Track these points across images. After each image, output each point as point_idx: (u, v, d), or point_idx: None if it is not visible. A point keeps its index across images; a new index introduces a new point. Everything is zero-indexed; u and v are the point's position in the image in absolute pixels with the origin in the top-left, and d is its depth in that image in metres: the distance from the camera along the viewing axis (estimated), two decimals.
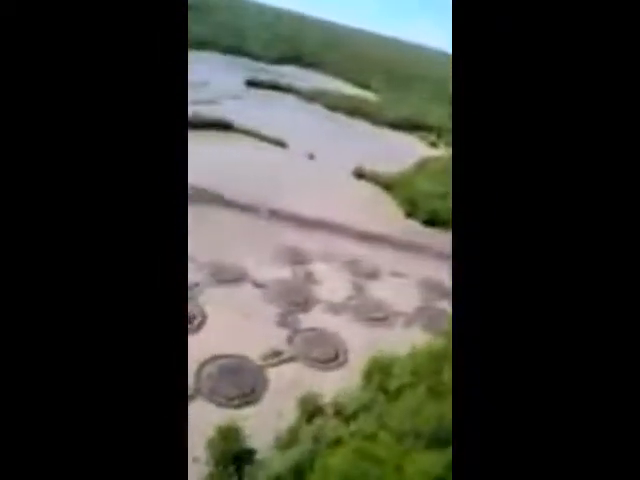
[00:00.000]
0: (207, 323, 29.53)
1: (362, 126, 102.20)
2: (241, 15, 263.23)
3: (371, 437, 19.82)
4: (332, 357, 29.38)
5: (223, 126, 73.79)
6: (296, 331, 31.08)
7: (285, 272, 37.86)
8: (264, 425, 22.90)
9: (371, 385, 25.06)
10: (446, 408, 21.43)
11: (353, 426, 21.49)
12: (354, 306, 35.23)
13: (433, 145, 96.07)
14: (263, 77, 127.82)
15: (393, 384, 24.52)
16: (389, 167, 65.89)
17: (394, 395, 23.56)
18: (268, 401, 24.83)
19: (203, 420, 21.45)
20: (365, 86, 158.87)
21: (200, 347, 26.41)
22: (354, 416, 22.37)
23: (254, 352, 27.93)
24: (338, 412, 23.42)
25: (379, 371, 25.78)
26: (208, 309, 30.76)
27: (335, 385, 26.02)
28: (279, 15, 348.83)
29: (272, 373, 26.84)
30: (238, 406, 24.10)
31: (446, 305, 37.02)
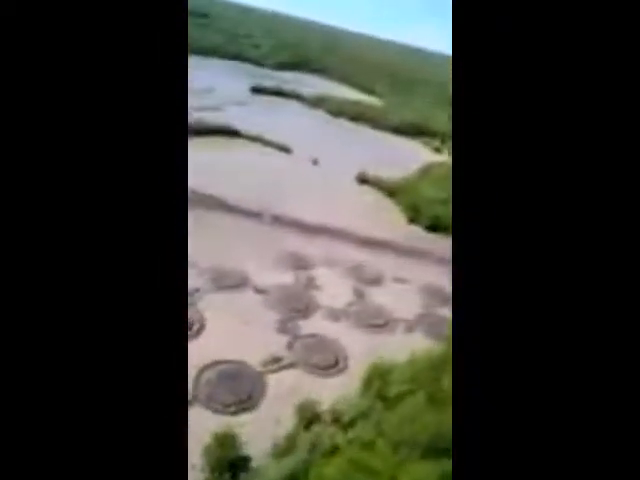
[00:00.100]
0: (206, 329, 29.49)
1: (366, 131, 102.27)
2: (245, 22, 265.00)
3: (368, 446, 19.64)
4: (332, 363, 29.24)
5: (227, 132, 74.16)
6: (296, 337, 30.98)
7: (287, 278, 37.80)
8: (261, 432, 22.78)
9: (370, 392, 24.89)
10: (444, 416, 21.24)
11: (350, 434, 21.33)
12: (355, 312, 35.09)
13: (437, 150, 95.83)
14: (267, 83, 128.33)
15: (392, 391, 24.34)
16: (393, 172, 65.76)
17: (392, 402, 23.37)
18: (266, 408, 24.71)
19: (200, 427, 21.37)
20: (369, 91, 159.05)
21: (198, 353, 26.37)
22: (352, 424, 22.21)
23: (253, 358, 27.85)
24: (336, 419, 23.26)
25: (378, 378, 25.60)
26: (208, 315, 30.74)
27: (334, 392, 25.87)
28: (284, 21, 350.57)
29: (271, 379, 26.74)
30: (235, 413, 24.00)
31: (447, 311, 36.79)
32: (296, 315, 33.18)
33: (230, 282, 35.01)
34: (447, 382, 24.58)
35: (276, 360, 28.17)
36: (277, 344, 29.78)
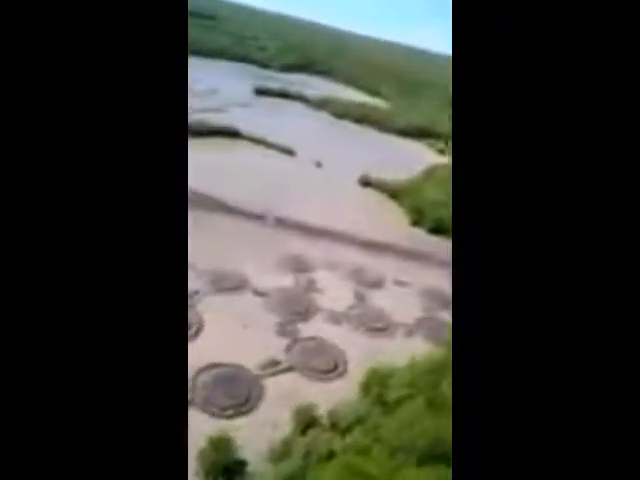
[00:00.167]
0: (204, 331, 29.32)
1: (370, 133, 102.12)
2: (252, 24, 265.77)
3: (364, 451, 19.39)
4: (331, 367, 28.99)
5: (231, 134, 74.24)
6: (295, 340, 30.76)
7: (287, 280, 37.62)
8: (258, 436, 22.57)
9: (368, 397, 24.65)
10: (441, 422, 20.96)
11: (347, 439, 21.09)
12: (355, 315, 34.85)
13: (441, 152, 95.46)
14: (272, 85, 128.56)
15: (391, 396, 24.05)
16: (397, 175, 65.53)
17: (391, 408, 23.10)
18: (263, 412, 24.50)
19: (196, 430, 21.14)
20: (375, 93, 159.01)
21: (196, 356, 26.13)
22: (349, 428, 21.97)
23: (251, 361, 27.64)
24: (334, 424, 23.03)
25: (377, 383, 25.32)
26: (206, 317, 30.58)
27: (333, 396, 25.61)
28: (290, 23, 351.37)
29: (269, 383, 26.52)
30: (232, 416, 23.79)
31: (448, 315, 36.44)
32: (296, 318, 32.97)
33: (229, 284, 34.86)
34: (446, 387, 24.26)
35: (274, 363, 27.95)
36: (276, 347, 29.56)
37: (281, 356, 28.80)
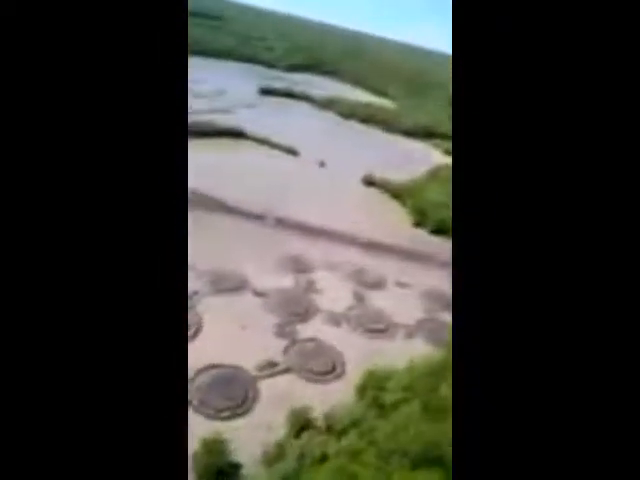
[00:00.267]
0: (203, 332, 29.26)
1: (376, 134, 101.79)
2: (259, 24, 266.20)
3: (357, 455, 19.19)
4: (329, 369, 28.79)
5: (236, 134, 74.33)
6: (294, 342, 30.60)
7: (287, 281, 37.49)
8: (253, 438, 22.44)
9: (365, 400, 24.41)
10: (437, 426, 20.72)
11: (342, 442, 20.87)
12: (355, 316, 34.63)
13: (448, 153, 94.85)
14: (279, 85, 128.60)
15: (388, 399, 23.81)
16: (401, 175, 65.23)
17: (387, 411, 22.87)
18: (259, 413, 24.36)
19: (191, 432, 21.07)
20: (382, 93, 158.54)
21: (193, 357, 26.05)
22: (344, 431, 21.76)
23: (249, 362, 27.52)
24: (329, 427, 22.84)
25: (374, 385, 25.10)
26: (205, 318, 30.51)
27: (329, 398, 25.43)
28: (298, 24, 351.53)
29: (265, 384, 26.38)
30: (227, 418, 23.69)
31: (449, 317, 36.12)
32: (295, 319, 32.82)
33: (229, 285, 34.79)
34: (444, 390, 24.00)
35: (272, 365, 27.82)
36: (274, 348, 29.41)
37: (279, 357, 28.67)
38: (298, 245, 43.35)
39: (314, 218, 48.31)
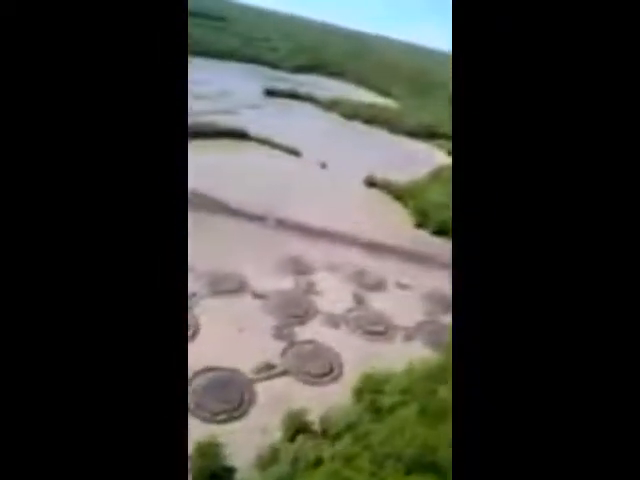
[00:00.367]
0: (200, 334, 29.15)
1: (379, 134, 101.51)
2: (263, 25, 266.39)
3: (351, 459, 19.00)
4: (326, 371, 28.60)
5: (239, 135, 74.33)
6: (292, 344, 30.43)
7: (287, 283, 37.33)
8: (248, 442, 22.29)
9: (361, 403, 24.20)
10: (433, 430, 20.53)
11: (336, 446, 20.69)
12: (354, 318, 34.41)
13: (451, 153, 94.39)
14: (282, 86, 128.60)
15: (385, 402, 23.60)
16: (404, 176, 64.92)
17: (383, 414, 22.67)
18: (254, 417, 24.22)
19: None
20: (386, 94, 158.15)
21: (191, 360, 25.92)
22: (339, 435, 21.58)
23: (246, 365, 27.37)
24: (325, 430, 22.66)
25: (371, 388, 24.90)
26: (203, 320, 30.40)
27: (326, 401, 25.23)
28: (303, 24, 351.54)
29: (262, 387, 26.22)
30: (223, 421, 23.56)
31: (450, 319, 35.84)
32: (293, 321, 32.64)
33: (228, 286, 34.68)
34: (442, 393, 23.78)
35: (269, 367, 27.66)
36: (272, 351, 29.24)
37: (276, 360, 28.50)
38: (298, 246, 43.20)
39: (315, 219, 48.16)
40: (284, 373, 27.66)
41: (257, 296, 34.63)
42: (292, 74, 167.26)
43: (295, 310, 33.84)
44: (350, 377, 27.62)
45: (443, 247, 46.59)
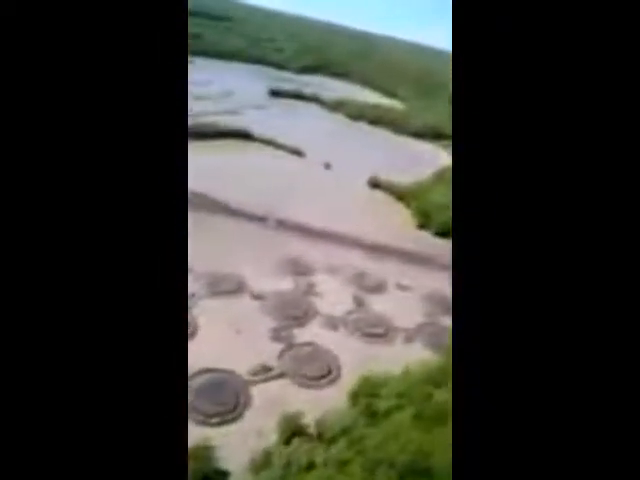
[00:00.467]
0: (197, 335, 29.01)
1: (385, 135, 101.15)
2: (269, 25, 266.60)
3: (344, 464, 18.77)
4: (324, 374, 28.35)
5: (243, 136, 74.27)
6: (290, 346, 30.22)
7: (286, 284, 37.13)
8: (242, 445, 22.12)
9: (357, 407, 23.94)
10: (428, 435, 20.27)
11: (330, 450, 20.47)
12: (353, 320, 34.14)
13: None
14: (288, 87, 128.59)
15: (380, 406, 23.35)
16: (407, 176, 64.60)
17: (379, 418, 22.42)
18: (249, 419, 24.03)
19: None
20: (392, 94, 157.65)
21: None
22: (334, 439, 21.35)
23: (242, 367, 27.19)
24: (320, 434, 22.43)
25: (368, 392, 24.65)
26: (201, 321, 30.28)
27: (322, 404, 25.01)
28: (309, 25, 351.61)
29: (258, 390, 26.03)
30: (218, 424, 23.39)
31: (450, 320, 35.49)
32: (292, 323, 32.43)
33: (227, 287, 34.54)
34: (438, 397, 23.51)
35: (266, 370, 27.46)
36: (269, 353, 29.05)
37: (273, 362, 28.30)
38: (299, 247, 43.00)
39: (317, 220, 47.95)
40: (281, 375, 27.47)
41: (256, 297, 34.48)
42: (298, 75, 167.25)
43: (294, 312, 33.64)
44: (348, 380, 27.36)
45: (445, 248, 46.16)
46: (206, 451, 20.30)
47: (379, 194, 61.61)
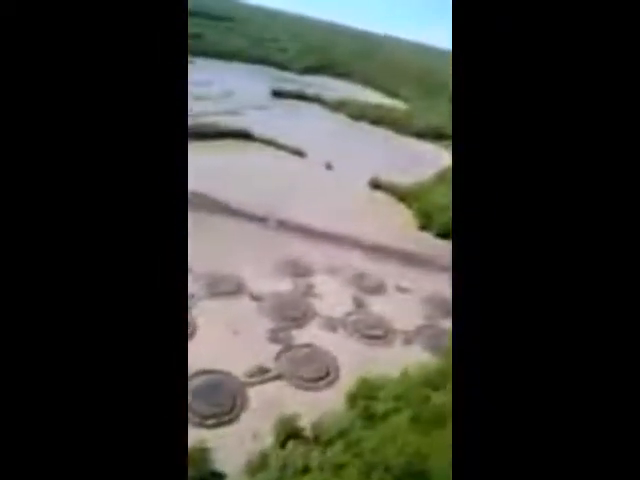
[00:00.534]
0: (195, 337, 28.91)
1: (387, 135, 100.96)
2: (272, 25, 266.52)
3: (339, 468, 18.62)
4: (322, 376, 28.21)
5: (245, 136, 74.23)
6: (288, 347, 30.08)
7: (285, 285, 37.01)
8: (238, 447, 22.01)
9: (355, 409, 23.77)
10: (425, 438, 20.12)
11: (327, 453, 20.33)
12: (353, 322, 33.99)
13: None
14: (290, 87, 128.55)
15: (378, 409, 23.19)
16: (409, 177, 64.42)
17: (376, 421, 22.26)
18: (246, 421, 23.92)
19: None
20: (394, 94, 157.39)
21: None
22: (330, 442, 21.20)
23: (239, 369, 27.07)
24: (316, 437, 22.29)
25: (365, 394, 24.49)
26: (199, 322, 30.19)
27: (320, 406, 24.86)
28: (312, 25, 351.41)
29: (255, 392, 25.91)
30: (214, 426, 23.28)
31: (450, 323, 35.28)
32: (291, 324, 32.29)
33: (226, 288, 34.44)
34: (436, 400, 23.36)
35: (263, 371, 27.34)
36: (267, 354, 28.91)
37: (271, 364, 28.16)
38: (299, 248, 42.88)
39: (317, 221, 47.83)
40: (278, 377, 27.34)
41: (255, 298, 34.36)
42: (300, 75, 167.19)
43: (292, 313, 33.52)
44: (346, 382, 27.21)
45: (446, 249, 45.95)
46: (202, 453, 20.18)
47: (380, 195, 61.43)
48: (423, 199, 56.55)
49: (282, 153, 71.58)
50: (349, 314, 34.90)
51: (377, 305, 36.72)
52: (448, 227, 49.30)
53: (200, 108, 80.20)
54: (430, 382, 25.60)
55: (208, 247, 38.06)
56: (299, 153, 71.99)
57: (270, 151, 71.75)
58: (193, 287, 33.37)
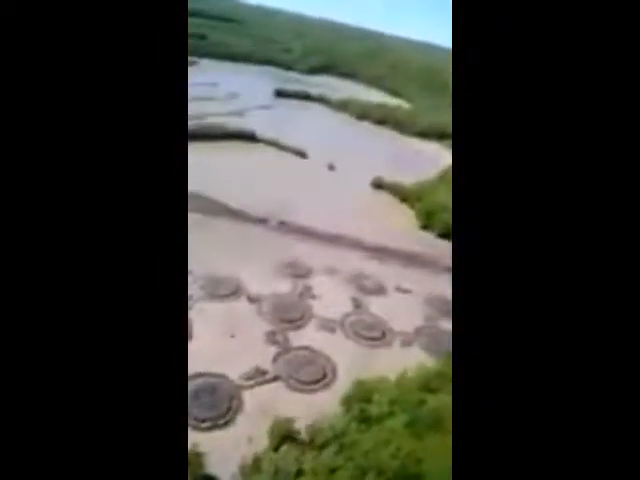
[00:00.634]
0: (192, 339, 28.79)
1: (390, 135, 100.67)
2: (277, 26, 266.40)
3: (332, 472, 18.47)
4: (319, 378, 28.03)
5: (248, 137, 74.23)
6: (286, 350, 29.93)
7: (283, 286, 36.88)
8: (233, 450, 21.89)
9: (350, 412, 23.57)
10: (420, 442, 19.93)
11: (322, 456, 20.16)
12: (351, 323, 33.79)
13: None
14: (295, 87, 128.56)
15: (374, 412, 22.98)
16: (412, 177, 64.06)
17: (371, 424, 22.06)
18: (241, 425, 23.81)
19: None
20: (398, 94, 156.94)
21: None
22: (325, 445, 21.03)
23: (236, 371, 26.96)
24: (311, 440, 22.12)
25: (361, 397, 24.30)
26: (197, 324, 30.10)
27: (316, 409, 24.69)
28: (316, 25, 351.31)
29: (251, 395, 25.78)
30: (208, 429, 23.19)
31: (449, 324, 34.99)
32: (288, 326, 32.14)
33: (224, 290, 34.36)
34: (433, 403, 23.13)
35: (260, 373, 27.22)
36: (264, 357, 28.77)
37: (267, 366, 28.03)
38: (299, 249, 42.75)
39: (319, 222, 47.68)
40: (275, 379, 27.22)
41: (253, 300, 34.26)
42: (305, 75, 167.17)
43: (290, 315, 33.37)
44: (343, 384, 27.03)
45: (448, 249, 45.66)
46: (195, 457, 20.07)
47: (383, 195, 61.17)
48: (425, 199, 56.25)
49: (285, 154, 71.52)
50: (347, 315, 34.71)
51: (376, 306, 36.49)
52: (450, 227, 49.01)
53: (204, 109, 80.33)
54: (427, 385, 25.37)
55: (208, 248, 38.02)
56: (302, 154, 71.90)
57: (273, 152, 71.71)
58: (191, 288, 33.31)
